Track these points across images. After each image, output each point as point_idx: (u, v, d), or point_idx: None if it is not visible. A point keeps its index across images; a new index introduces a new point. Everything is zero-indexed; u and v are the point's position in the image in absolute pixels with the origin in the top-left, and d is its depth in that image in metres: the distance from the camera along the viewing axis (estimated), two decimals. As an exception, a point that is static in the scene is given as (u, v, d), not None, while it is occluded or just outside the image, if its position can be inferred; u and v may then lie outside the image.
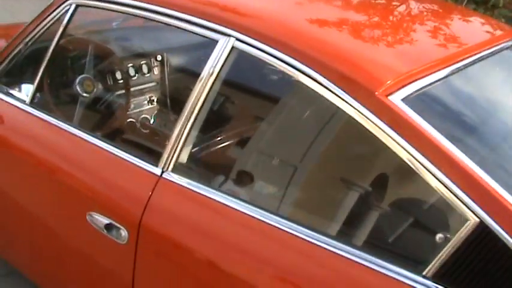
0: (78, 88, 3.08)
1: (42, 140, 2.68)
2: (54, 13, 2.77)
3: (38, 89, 2.78)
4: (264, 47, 2.15)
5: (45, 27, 2.83)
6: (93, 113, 3.16)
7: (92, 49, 3.17)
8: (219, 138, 2.76)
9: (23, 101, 2.78)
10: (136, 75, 3.54)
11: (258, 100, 2.75)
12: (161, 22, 2.44)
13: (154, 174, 2.28)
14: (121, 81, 3.32)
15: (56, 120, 2.63)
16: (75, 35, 3.13)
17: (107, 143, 2.44)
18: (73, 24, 2.80)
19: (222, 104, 2.60)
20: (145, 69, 3.56)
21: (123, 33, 3.54)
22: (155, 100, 3.61)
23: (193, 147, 2.33)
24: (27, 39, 2.86)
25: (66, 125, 2.60)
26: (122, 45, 3.54)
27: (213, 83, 2.23)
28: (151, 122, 3.38)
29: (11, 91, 2.86)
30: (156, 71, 3.64)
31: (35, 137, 2.71)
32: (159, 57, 3.64)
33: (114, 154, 2.40)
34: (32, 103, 2.76)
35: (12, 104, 2.81)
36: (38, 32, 2.85)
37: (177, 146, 2.26)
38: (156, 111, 3.56)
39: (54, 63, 2.97)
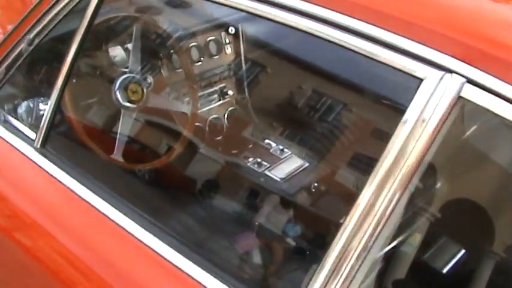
0: (119, 97, 1.80)
1: (73, 221, 1.45)
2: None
3: (54, 120, 1.51)
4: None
5: (60, 15, 1.53)
6: (153, 144, 1.89)
7: (137, 35, 1.87)
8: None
9: (30, 141, 1.53)
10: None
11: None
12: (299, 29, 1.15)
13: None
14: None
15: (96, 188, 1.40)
16: (111, 22, 1.82)
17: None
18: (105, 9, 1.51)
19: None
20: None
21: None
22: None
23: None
24: (32, 34, 1.57)
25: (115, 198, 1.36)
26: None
27: (420, 159, 0.99)
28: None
29: (10, 120, 1.60)
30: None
31: (61, 216, 1.49)
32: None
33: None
34: (45, 146, 1.51)
35: (10, 144, 1.56)
36: (50, 21, 1.55)
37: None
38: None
39: (81, 70, 1.71)
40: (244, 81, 2.42)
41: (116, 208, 1.39)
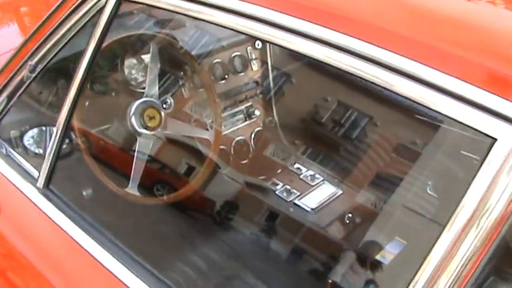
0: (134, 123, 1.60)
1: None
2: (79, 15, 1.28)
3: (60, 154, 1.31)
4: None
5: (65, 38, 1.32)
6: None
7: (154, 54, 1.66)
8: None
9: (32, 180, 1.33)
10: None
11: None
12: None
13: None
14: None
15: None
16: (125, 41, 1.63)
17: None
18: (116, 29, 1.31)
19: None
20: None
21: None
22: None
23: None
24: (35, 60, 1.37)
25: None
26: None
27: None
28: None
29: (13, 154, 1.41)
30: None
31: (59, 264, 1.29)
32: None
33: None
34: (49, 186, 1.31)
35: (11, 183, 1.37)
36: (54, 45, 1.35)
37: None
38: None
39: (92, 94, 1.53)
40: (273, 100, 2.20)
41: (123, 264, 1.19)
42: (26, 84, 1.44)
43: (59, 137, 1.33)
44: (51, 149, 1.35)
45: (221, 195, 1.93)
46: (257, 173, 2.07)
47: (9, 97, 1.48)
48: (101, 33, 1.30)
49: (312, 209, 1.90)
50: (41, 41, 1.39)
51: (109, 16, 1.26)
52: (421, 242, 0.98)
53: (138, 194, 1.66)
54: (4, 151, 1.50)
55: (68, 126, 1.35)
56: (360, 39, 0.88)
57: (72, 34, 1.36)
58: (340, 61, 0.93)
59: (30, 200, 1.36)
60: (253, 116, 2.13)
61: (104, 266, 1.19)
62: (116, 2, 1.24)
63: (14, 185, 1.40)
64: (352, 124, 1.97)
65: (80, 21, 1.33)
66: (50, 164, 1.34)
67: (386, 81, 0.86)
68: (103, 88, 1.78)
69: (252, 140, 2.10)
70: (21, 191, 1.38)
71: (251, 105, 2.14)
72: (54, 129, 1.36)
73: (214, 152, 1.83)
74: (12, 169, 1.44)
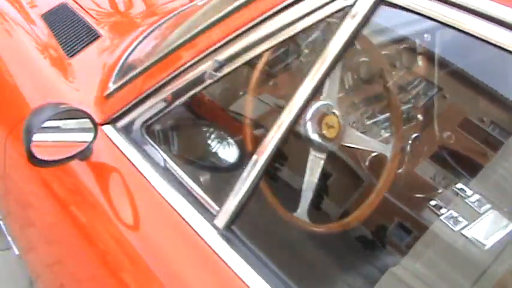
0: (309, 132, 1.19)
1: None
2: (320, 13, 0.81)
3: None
4: None
5: (281, 35, 0.89)
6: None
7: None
8: None
9: (210, 218, 0.92)
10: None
11: None
12: None
13: None
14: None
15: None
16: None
17: None
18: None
19: None
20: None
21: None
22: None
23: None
24: (223, 56, 0.93)
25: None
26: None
27: None
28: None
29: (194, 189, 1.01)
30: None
31: None
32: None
33: None
34: (231, 228, 0.90)
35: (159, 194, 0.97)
36: (258, 43, 0.90)
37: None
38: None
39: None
40: (435, 102, 1.77)
41: None
42: (204, 85, 1.00)
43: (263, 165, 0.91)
44: (246, 181, 0.93)
45: (376, 214, 1.54)
46: (415, 189, 1.65)
47: (176, 96, 1.05)
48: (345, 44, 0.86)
49: (484, 244, 1.48)
50: (240, 30, 0.94)
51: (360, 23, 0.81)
52: None
53: (307, 220, 1.27)
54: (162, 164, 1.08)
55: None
56: None
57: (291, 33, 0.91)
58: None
59: (208, 247, 0.95)
60: (413, 120, 1.70)
61: None
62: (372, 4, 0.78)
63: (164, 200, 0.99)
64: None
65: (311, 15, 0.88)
66: (242, 200, 0.92)
67: None
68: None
69: (409, 148, 1.68)
70: (192, 229, 0.97)
71: (412, 107, 1.71)
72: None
73: (391, 169, 1.42)
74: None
